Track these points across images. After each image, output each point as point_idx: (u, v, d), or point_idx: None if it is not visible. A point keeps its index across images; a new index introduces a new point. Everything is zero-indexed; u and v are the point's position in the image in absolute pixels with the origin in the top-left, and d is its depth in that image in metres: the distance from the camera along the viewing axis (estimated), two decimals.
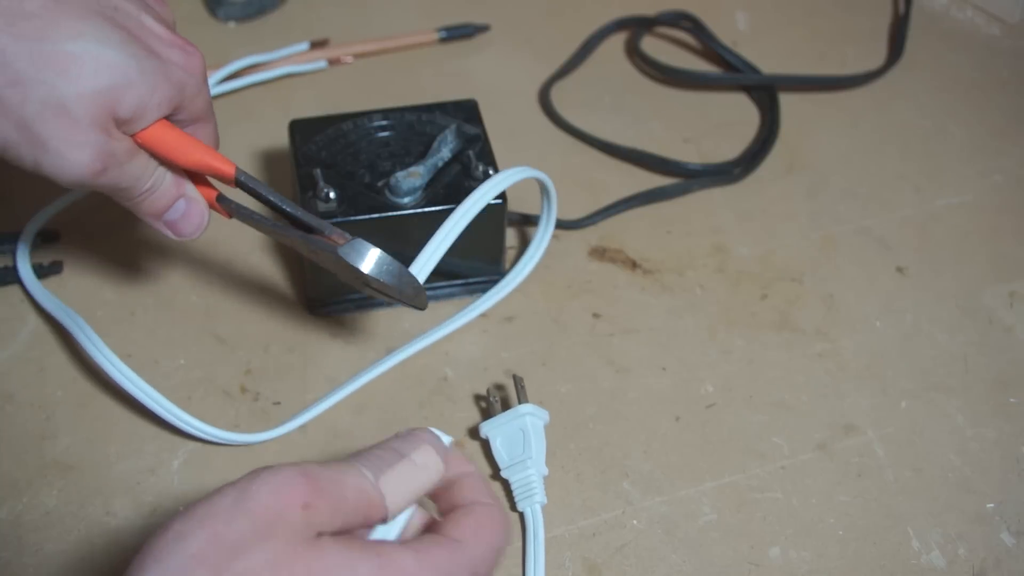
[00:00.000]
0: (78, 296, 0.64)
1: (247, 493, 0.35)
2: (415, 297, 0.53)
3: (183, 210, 0.52)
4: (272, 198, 0.52)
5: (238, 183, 0.51)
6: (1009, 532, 0.55)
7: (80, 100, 0.45)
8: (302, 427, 0.58)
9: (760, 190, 0.72)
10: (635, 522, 0.55)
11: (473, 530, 0.39)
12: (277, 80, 0.78)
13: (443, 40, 0.82)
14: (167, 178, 0.51)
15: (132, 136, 0.48)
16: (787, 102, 0.78)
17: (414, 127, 0.64)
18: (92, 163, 0.46)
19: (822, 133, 0.77)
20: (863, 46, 0.83)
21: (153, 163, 0.50)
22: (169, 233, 0.53)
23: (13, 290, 0.64)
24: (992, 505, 0.56)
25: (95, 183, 0.47)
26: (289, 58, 0.79)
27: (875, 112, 0.78)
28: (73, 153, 0.46)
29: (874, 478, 0.57)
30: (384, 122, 0.64)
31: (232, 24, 0.82)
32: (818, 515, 0.56)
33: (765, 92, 0.78)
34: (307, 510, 0.35)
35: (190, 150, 0.50)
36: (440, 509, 0.42)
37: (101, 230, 0.67)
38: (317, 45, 0.79)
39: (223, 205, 0.53)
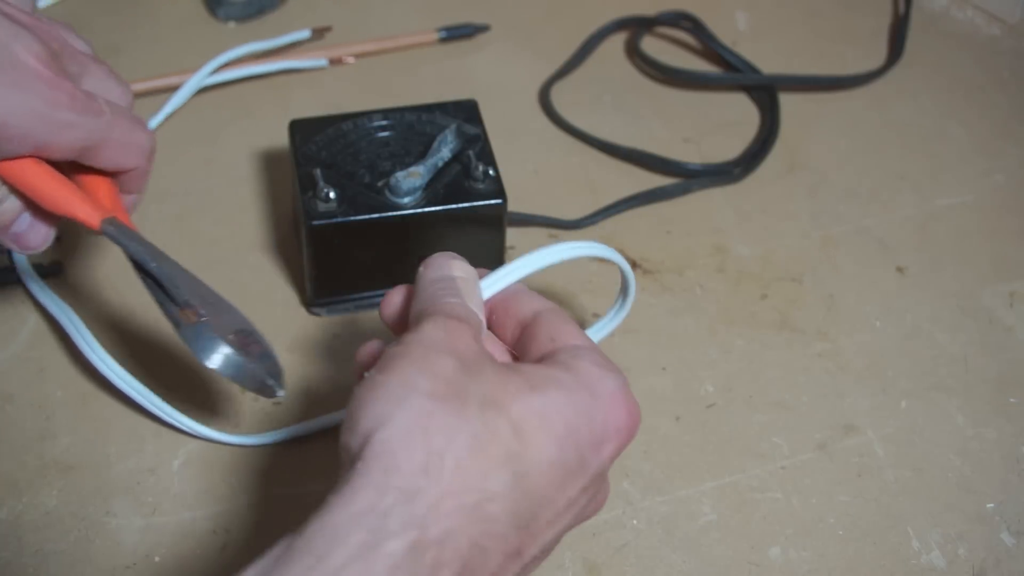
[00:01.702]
0: (78, 296, 0.64)
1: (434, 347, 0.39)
2: (263, 389, 0.50)
3: (28, 223, 0.50)
4: (137, 257, 0.49)
5: (105, 234, 0.49)
6: (1009, 532, 0.55)
7: None
8: (305, 425, 0.58)
9: (760, 190, 0.72)
10: (635, 522, 0.55)
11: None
12: (277, 79, 0.78)
13: (443, 40, 0.82)
14: (11, 195, 0.49)
15: None
16: (787, 102, 0.78)
17: (414, 127, 0.64)
18: None
19: (822, 133, 0.77)
20: (863, 46, 0.83)
21: None
22: (14, 247, 0.50)
23: (13, 290, 0.64)
24: (992, 505, 0.56)
25: None
26: (289, 52, 0.79)
27: (875, 112, 0.78)
28: None
29: (874, 478, 0.57)
30: (384, 122, 0.64)
31: (232, 24, 0.82)
32: (818, 515, 0.56)
33: (765, 92, 0.78)
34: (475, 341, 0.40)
35: (54, 198, 0.47)
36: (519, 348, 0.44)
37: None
38: (319, 32, 0.79)
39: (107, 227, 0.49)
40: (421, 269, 0.45)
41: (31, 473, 0.56)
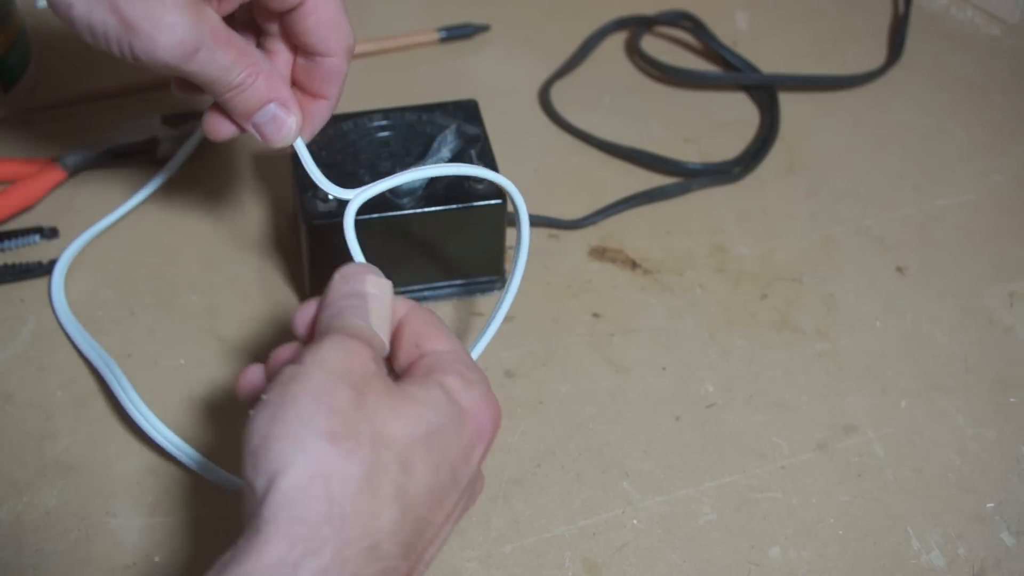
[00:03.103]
0: (78, 296, 0.64)
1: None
2: None
3: (272, 113, 0.51)
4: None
5: None
6: (1009, 532, 0.55)
7: None
8: None
9: (760, 190, 0.72)
10: (635, 522, 0.55)
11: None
12: None
13: (443, 40, 0.82)
14: (260, 77, 0.50)
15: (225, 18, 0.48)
16: (787, 102, 0.78)
17: (414, 127, 0.64)
18: (180, 45, 0.46)
19: (822, 133, 0.77)
20: (863, 46, 0.83)
21: (245, 59, 0.49)
22: (257, 136, 0.52)
23: (13, 290, 0.64)
24: (992, 505, 0.56)
25: (184, 68, 0.47)
26: None
27: (875, 112, 0.78)
28: (163, 35, 0.46)
29: (874, 478, 0.57)
30: (384, 122, 0.64)
31: None
32: (818, 515, 0.56)
33: (765, 92, 0.78)
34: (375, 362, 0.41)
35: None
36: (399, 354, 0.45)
37: (101, 229, 0.67)
38: None
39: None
40: (335, 278, 0.45)
41: (31, 473, 0.56)
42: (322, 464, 0.37)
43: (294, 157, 0.62)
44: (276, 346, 0.51)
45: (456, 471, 0.41)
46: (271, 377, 0.43)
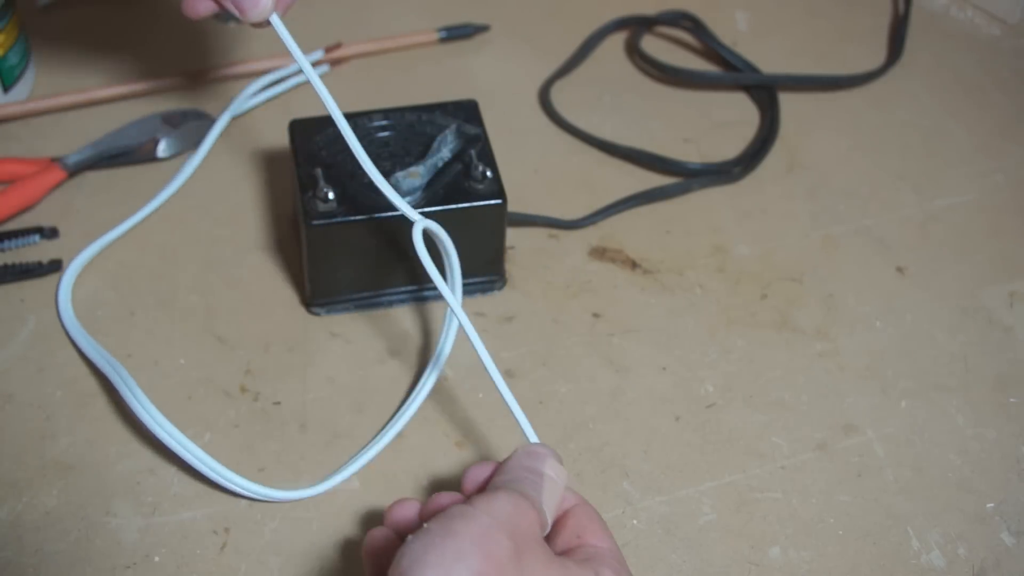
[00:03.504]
0: (78, 296, 0.64)
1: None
2: None
3: None
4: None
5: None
6: (1009, 532, 0.55)
7: None
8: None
9: (760, 190, 0.72)
10: (635, 522, 0.55)
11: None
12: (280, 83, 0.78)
13: (443, 40, 0.82)
14: None
15: None
16: (787, 102, 0.78)
17: (414, 127, 0.64)
18: None
19: (822, 133, 0.77)
20: (863, 46, 0.83)
21: None
22: (234, 10, 0.52)
23: (13, 290, 0.64)
24: (992, 505, 0.56)
25: None
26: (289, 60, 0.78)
27: (875, 112, 0.78)
28: None
29: (874, 478, 0.57)
30: (384, 122, 0.64)
31: (232, 24, 0.82)
32: (818, 515, 0.56)
33: (765, 92, 0.78)
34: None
35: None
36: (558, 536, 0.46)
37: (101, 229, 0.67)
38: (331, 51, 0.79)
39: None
40: (518, 451, 0.47)
41: (31, 473, 0.56)
42: None
43: (294, 157, 0.63)
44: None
45: None
46: (425, 517, 0.45)
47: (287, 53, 0.80)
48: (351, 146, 0.53)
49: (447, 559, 0.38)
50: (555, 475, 0.46)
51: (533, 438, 0.51)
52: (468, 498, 0.43)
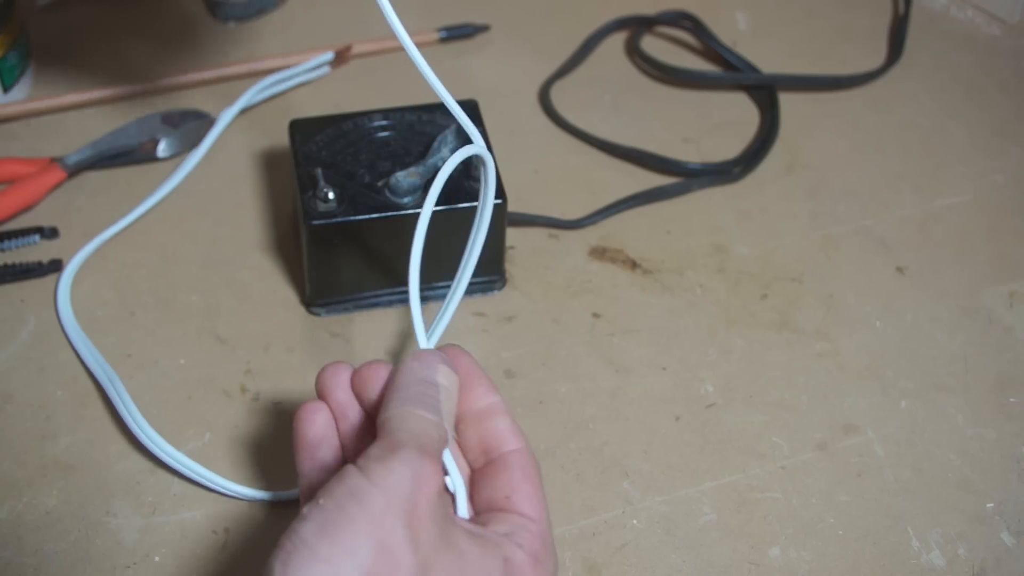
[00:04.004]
0: (78, 296, 0.64)
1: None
2: None
3: None
4: None
5: None
6: (1009, 532, 0.55)
7: None
8: None
9: (760, 190, 0.72)
10: (635, 522, 0.55)
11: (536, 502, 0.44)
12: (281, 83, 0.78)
13: (443, 40, 0.82)
14: None
15: None
16: (787, 102, 0.78)
17: (414, 127, 0.64)
18: None
19: (822, 133, 0.77)
20: (863, 46, 0.83)
21: None
22: None
23: (13, 290, 0.64)
24: (992, 505, 0.56)
25: None
26: (291, 58, 0.78)
27: (875, 112, 0.78)
28: None
29: (874, 478, 0.57)
30: (384, 122, 0.64)
31: (232, 24, 0.82)
32: (818, 515, 0.56)
33: (765, 92, 0.78)
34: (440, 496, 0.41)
35: None
36: (468, 447, 0.46)
37: (101, 229, 0.67)
38: (341, 53, 0.79)
39: None
40: (409, 361, 0.45)
41: (31, 473, 0.56)
42: None
43: (294, 157, 0.63)
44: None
45: None
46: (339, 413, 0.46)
47: (287, 53, 0.80)
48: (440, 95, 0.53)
49: (336, 554, 0.37)
50: (448, 383, 0.44)
51: (423, 342, 0.48)
52: (364, 459, 0.40)
